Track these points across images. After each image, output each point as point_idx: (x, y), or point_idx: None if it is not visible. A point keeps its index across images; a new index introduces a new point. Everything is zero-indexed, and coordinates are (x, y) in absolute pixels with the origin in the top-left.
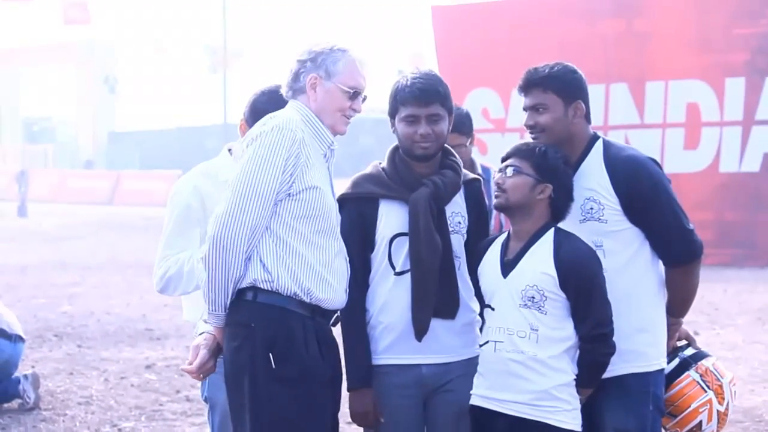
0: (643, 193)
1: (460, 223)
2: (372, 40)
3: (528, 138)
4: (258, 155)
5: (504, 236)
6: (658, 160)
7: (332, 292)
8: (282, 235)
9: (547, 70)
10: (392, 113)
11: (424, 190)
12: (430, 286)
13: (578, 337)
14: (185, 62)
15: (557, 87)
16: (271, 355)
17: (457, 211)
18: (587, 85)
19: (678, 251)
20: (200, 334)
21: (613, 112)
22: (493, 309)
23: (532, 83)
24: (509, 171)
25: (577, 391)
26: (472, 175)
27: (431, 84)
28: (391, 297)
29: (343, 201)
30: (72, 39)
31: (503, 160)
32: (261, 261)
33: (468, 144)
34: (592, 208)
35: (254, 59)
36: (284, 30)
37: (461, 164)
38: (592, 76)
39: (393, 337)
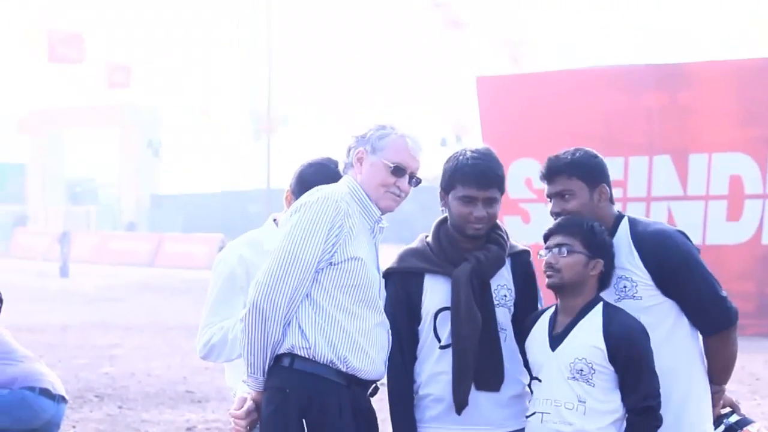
0: (672, 264)
1: (506, 296)
2: (416, 109)
3: None
4: (302, 223)
5: (551, 310)
6: (701, 232)
7: (370, 362)
8: (321, 303)
9: (569, 157)
10: (447, 189)
11: (466, 266)
12: (469, 361)
13: (626, 409)
14: (230, 127)
15: (582, 173)
16: (304, 421)
17: (502, 284)
18: (607, 168)
19: (714, 319)
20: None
21: (656, 184)
22: (540, 381)
23: (556, 170)
24: (562, 250)
25: None
26: (520, 247)
27: (492, 167)
28: (436, 369)
29: (388, 275)
30: (116, 102)
31: (546, 237)
32: (300, 327)
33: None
34: (625, 287)
35: (299, 126)
36: (330, 98)
37: (507, 237)
38: (636, 148)
39: (440, 408)
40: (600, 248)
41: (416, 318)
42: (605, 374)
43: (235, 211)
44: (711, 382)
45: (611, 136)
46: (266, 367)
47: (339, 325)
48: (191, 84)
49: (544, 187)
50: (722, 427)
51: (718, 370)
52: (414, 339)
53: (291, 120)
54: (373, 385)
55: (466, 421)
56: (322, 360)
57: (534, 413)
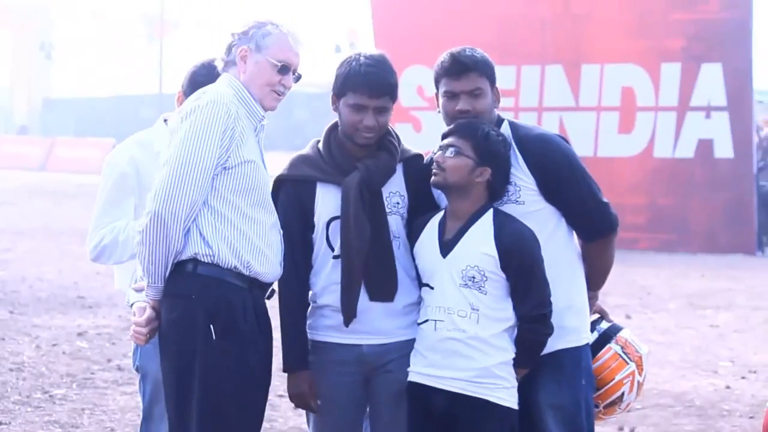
0: (557, 169)
1: (398, 203)
2: (307, 15)
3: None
4: (194, 129)
5: (440, 215)
6: (593, 144)
7: (269, 265)
8: (220, 209)
9: (478, 55)
10: (338, 94)
11: (355, 175)
12: (357, 272)
13: (517, 317)
14: (123, 31)
15: (488, 72)
16: (212, 326)
17: (394, 190)
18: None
19: (596, 225)
20: (131, 304)
21: (548, 94)
22: (432, 288)
23: (468, 67)
24: (449, 151)
25: (514, 371)
26: (413, 152)
27: (384, 76)
28: (329, 279)
29: (280, 181)
30: (7, 2)
31: (444, 136)
32: (201, 234)
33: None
34: (508, 191)
35: (191, 30)
36: (221, 2)
37: (399, 143)
38: (529, 58)
39: (335, 317)
40: (491, 157)
41: (309, 225)
42: (497, 282)
43: (128, 115)
44: (587, 288)
45: (504, 44)
46: (166, 275)
47: (238, 230)
48: None
49: (444, 84)
50: (595, 333)
51: (596, 277)
52: (307, 246)
53: (183, 25)
54: (270, 288)
55: (360, 331)
56: (225, 265)
57: (426, 320)
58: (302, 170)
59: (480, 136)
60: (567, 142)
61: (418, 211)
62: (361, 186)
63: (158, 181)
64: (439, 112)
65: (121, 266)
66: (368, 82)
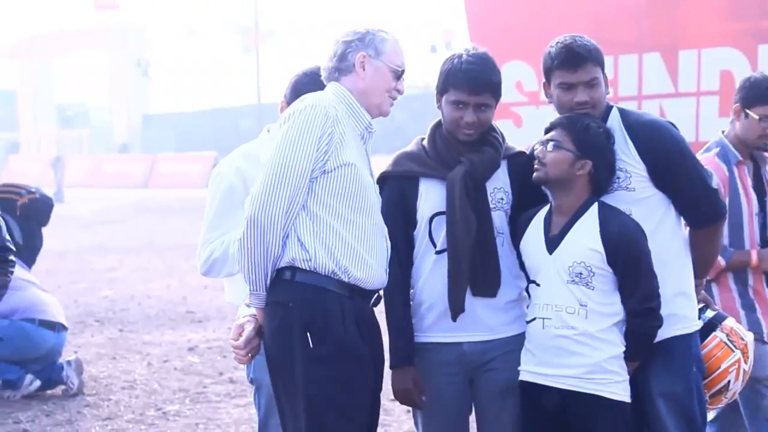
0: (668, 155)
1: (502, 199)
2: (402, 16)
3: (554, 114)
4: (291, 133)
5: (545, 210)
6: (694, 129)
7: (371, 272)
8: (318, 213)
9: (590, 44)
10: (441, 91)
11: (459, 169)
12: (464, 266)
13: (626, 311)
14: (217, 43)
15: (601, 61)
16: (308, 334)
17: (499, 186)
18: None
19: (705, 212)
20: (243, 317)
21: (647, 82)
22: (538, 285)
23: (584, 57)
24: (549, 145)
25: (626, 363)
26: (517, 149)
27: (485, 73)
28: (431, 275)
29: (383, 179)
30: (103, 24)
31: (547, 131)
32: (299, 239)
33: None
34: (618, 177)
35: (286, 39)
36: (314, 9)
37: (503, 139)
38: (626, 46)
39: (435, 315)
40: (591, 149)
41: (412, 223)
42: (604, 277)
43: (227, 127)
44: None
45: (600, 34)
46: (268, 283)
47: (337, 235)
48: (176, 1)
49: (558, 76)
50: (700, 321)
51: (702, 264)
52: (410, 244)
53: (278, 33)
54: (375, 295)
55: (463, 328)
56: (323, 271)
57: (534, 319)
58: (406, 166)
59: (579, 129)
60: (676, 128)
61: (523, 208)
62: (466, 179)
63: (256, 186)
64: (550, 101)
65: (232, 279)
66: (468, 79)
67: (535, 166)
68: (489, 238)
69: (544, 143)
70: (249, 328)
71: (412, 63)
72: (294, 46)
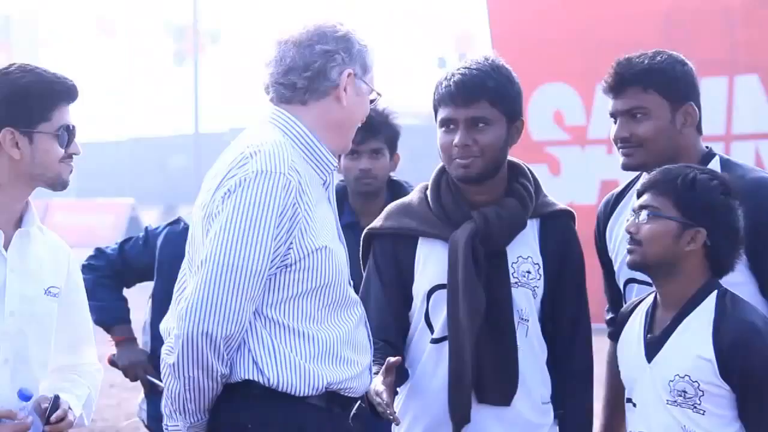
0: None
1: (529, 272)
2: (397, 14)
3: (617, 156)
4: (238, 217)
5: (650, 300)
6: None
7: (356, 377)
8: (278, 319)
9: (647, 61)
10: (436, 119)
11: (467, 227)
12: (467, 361)
13: None
14: (141, 48)
15: (662, 85)
16: None
17: (525, 255)
18: (699, 82)
19: None
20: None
21: (739, 115)
22: (635, 405)
23: (628, 79)
24: (643, 215)
25: None
26: (559, 206)
27: (477, 75)
28: (425, 370)
29: (370, 238)
30: None
31: (639, 195)
32: (253, 359)
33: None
34: None
35: (235, 43)
36: (275, 3)
37: (536, 189)
38: (711, 66)
39: (423, 426)
40: (703, 211)
41: (408, 300)
42: (719, 397)
43: (151, 165)
44: None
45: (674, 49)
46: (209, 408)
47: (307, 340)
48: None
49: (609, 103)
50: None
51: None
52: (405, 328)
53: (224, 36)
54: (357, 403)
55: None
56: (290, 391)
57: None
58: (401, 222)
59: (683, 185)
60: None
61: (562, 288)
62: (475, 241)
63: (189, 291)
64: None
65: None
66: (456, 87)
67: (628, 246)
68: (505, 325)
69: (636, 213)
70: None
71: (410, 82)
72: (246, 56)
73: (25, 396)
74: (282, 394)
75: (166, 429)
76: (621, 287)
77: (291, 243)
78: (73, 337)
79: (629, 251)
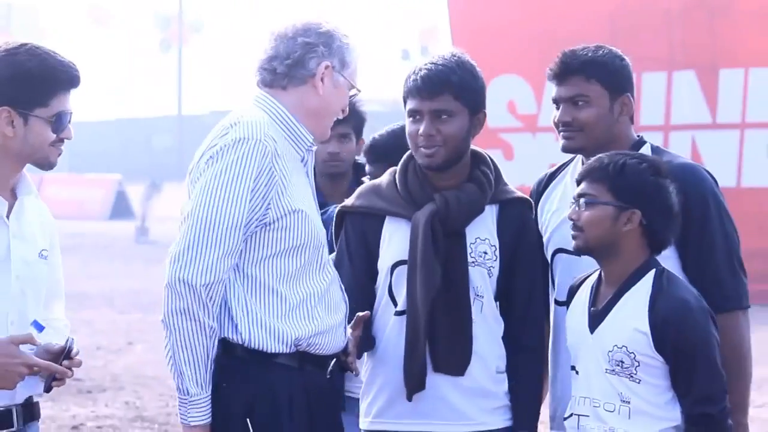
0: (697, 212)
1: (485, 253)
2: (365, 9)
3: (559, 140)
4: (218, 177)
5: (595, 276)
6: (735, 171)
7: (328, 334)
8: (257, 275)
9: (590, 54)
10: (405, 108)
11: (427, 208)
12: (421, 330)
13: (683, 415)
14: (129, 35)
15: (604, 75)
16: (249, 422)
17: (483, 237)
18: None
19: (727, 293)
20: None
21: (677, 108)
22: (577, 373)
23: (572, 69)
24: (581, 203)
25: None
26: (517, 194)
27: (442, 71)
28: (388, 342)
29: (342, 215)
30: None
31: (577, 184)
32: (229, 315)
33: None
34: None
35: (217, 34)
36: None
37: (495, 177)
38: (652, 62)
39: (387, 394)
40: (635, 193)
41: (373, 273)
42: (654, 367)
43: (138, 144)
44: None
45: (619, 45)
46: (209, 377)
47: (282, 299)
48: None
49: (553, 89)
50: None
51: (729, 369)
52: (370, 300)
53: (207, 27)
54: (333, 360)
55: (426, 413)
56: (264, 349)
57: (571, 415)
58: (370, 201)
59: (614, 171)
60: (714, 179)
61: (517, 270)
62: (434, 221)
63: (174, 246)
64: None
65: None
66: (422, 80)
67: (572, 233)
68: (461, 299)
69: (576, 201)
70: None
71: (377, 72)
72: (227, 44)
73: (40, 327)
74: (255, 352)
75: None
76: (549, 258)
77: (269, 203)
78: (48, 294)
79: (573, 237)
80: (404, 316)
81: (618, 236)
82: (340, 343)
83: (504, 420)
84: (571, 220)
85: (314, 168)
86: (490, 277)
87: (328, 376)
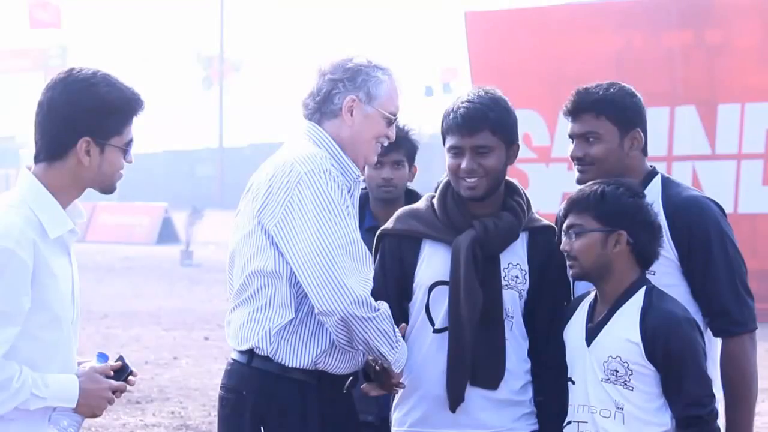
0: (701, 240)
1: (517, 277)
2: (392, 49)
3: (574, 172)
4: (319, 198)
5: (592, 296)
6: (732, 198)
7: (347, 358)
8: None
9: (601, 92)
10: (444, 144)
11: (469, 234)
12: (466, 347)
13: (673, 419)
14: (174, 74)
15: (613, 112)
16: (262, 429)
17: (515, 262)
18: (646, 111)
19: (735, 318)
20: None
21: (679, 140)
22: (574, 383)
23: (583, 107)
24: (571, 234)
25: None
26: (543, 222)
27: (479, 109)
28: (427, 359)
29: (381, 237)
30: (40, 45)
31: (564, 217)
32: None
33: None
34: None
35: (255, 72)
36: (290, 38)
37: (527, 207)
38: (655, 98)
39: (426, 407)
40: (618, 216)
41: (407, 292)
42: (645, 375)
43: (181, 174)
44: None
45: (625, 82)
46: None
47: (310, 319)
48: (127, 21)
49: (567, 125)
50: None
51: (732, 392)
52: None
53: (245, 65)
54: (350, 378)
55: (461, 424)
56: (286, 363)
57: (569, 422)
58: (409, 224)
59: (594, 199)
60: (723, 211)
61: (542, 295)
62: (475, 247)
63: (312, 281)
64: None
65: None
66: (461, 118)
67: (568, 263)
68: (496, 320)
69: (566, 233)
70: None
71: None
72: (264, 82)
73: (105, 357)
74: (277, 365)
75: None
76: None
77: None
78: None
79: (569, 266)
80: (443, 334)
81: (609, 258)
82: (357, 365)
83: (529, 425)
84: (565, 251)
85: (368, 193)
86: (520, 299)
87: (344, 391)
